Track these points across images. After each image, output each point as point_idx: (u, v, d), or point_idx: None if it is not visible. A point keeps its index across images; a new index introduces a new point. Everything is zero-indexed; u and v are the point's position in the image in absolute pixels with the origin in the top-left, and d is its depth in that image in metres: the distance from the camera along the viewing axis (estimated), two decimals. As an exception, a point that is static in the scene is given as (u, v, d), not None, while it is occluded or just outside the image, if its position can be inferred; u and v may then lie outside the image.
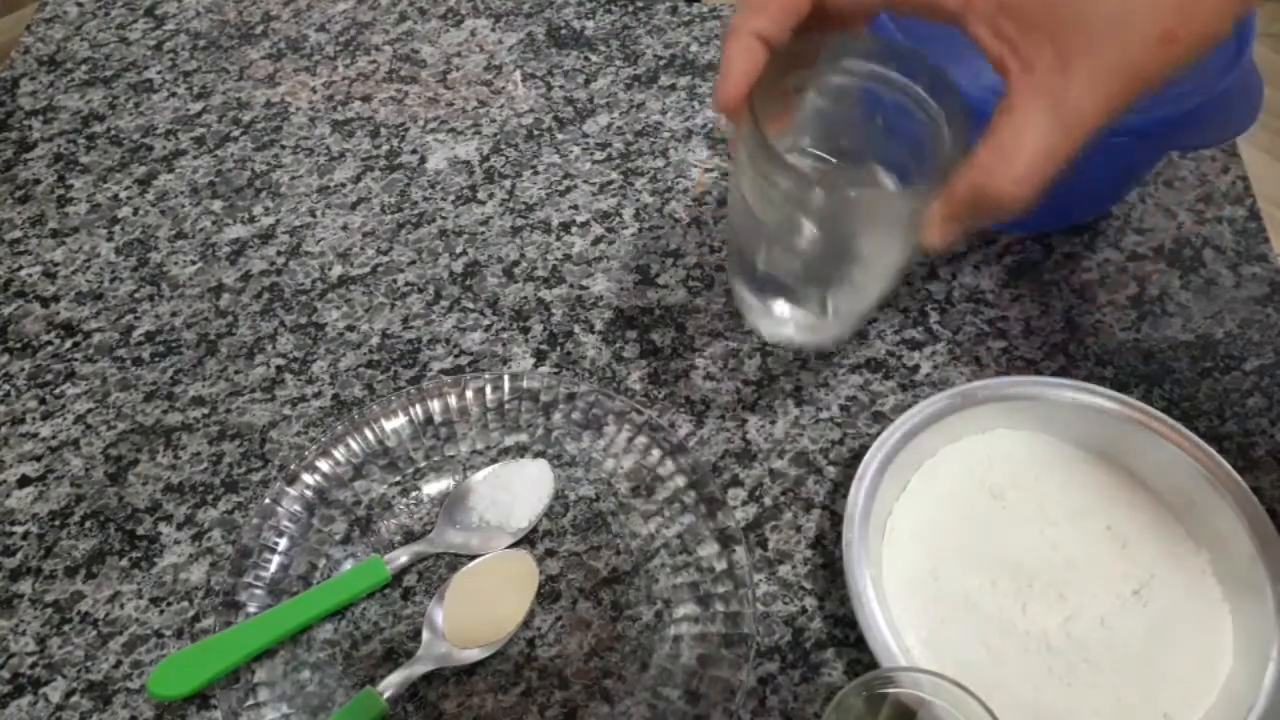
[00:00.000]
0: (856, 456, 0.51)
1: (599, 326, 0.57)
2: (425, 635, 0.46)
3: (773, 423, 0.53)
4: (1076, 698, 0.44)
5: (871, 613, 0.43)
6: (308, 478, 0.50)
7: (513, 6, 0.74)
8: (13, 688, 0.45)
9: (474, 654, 0.46)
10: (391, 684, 0.44)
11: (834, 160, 0.41)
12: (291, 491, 0.50)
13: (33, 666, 0.46)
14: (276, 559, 0.48)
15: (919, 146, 0.39)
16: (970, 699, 0.37)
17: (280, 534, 0.49)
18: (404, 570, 0.48)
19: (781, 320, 0.47)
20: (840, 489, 0.51)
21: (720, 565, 0.47)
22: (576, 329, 0.57)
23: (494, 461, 0.52)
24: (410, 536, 0.50)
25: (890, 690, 0.38)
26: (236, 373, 0.55)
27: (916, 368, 0.56)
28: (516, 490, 0.50)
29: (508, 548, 0.49)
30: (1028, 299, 0.58)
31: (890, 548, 0.47)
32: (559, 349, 0.56)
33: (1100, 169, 0.57)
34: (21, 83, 0.70)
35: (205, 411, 0.54)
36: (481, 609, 0.47)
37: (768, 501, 0.51)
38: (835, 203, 0.39)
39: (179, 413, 0.54)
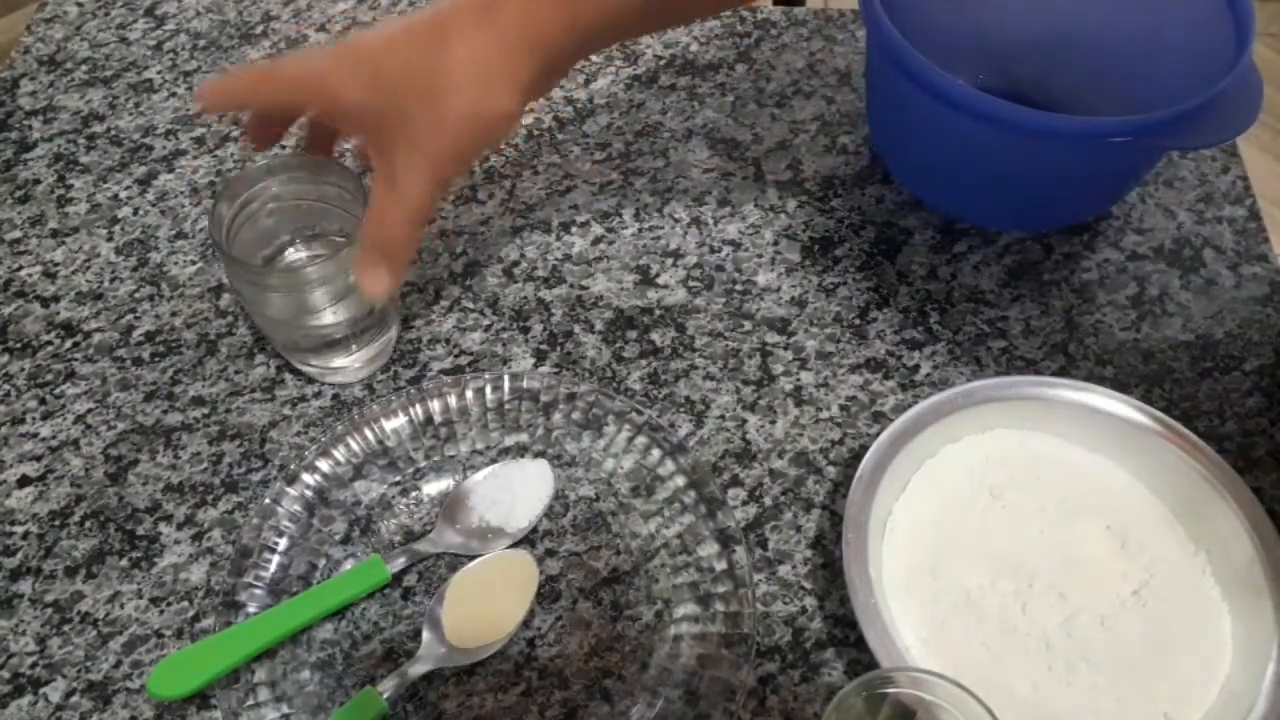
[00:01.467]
0: (856, 456, 0.51)
1: (599, 326, 0.57)
2: (425, 635, 0.46)
3: (773, 423, 0.53)
4: (1076, 697, 0.44)
5: (871, 612, 0.44)
6: (308, 478, 0.50)
7: (513, 6, 0.74)
8: (13, 688, 0.45)
9: (475, 654, 0.46)
10: (391, 684, 0.44)
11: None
12: (291, 491, 0.50)
13: (33, 666, 0.46)
14: (276, 559, 0.48)
15: None
16: (970, 699, 0.37)
17: (280, 534, 0.49)
18: (404, 570, 0.48)
19: (352, 368, 0.55)
20: (840, 489, 0.51)
21: (720, 565, 0.47)
22: (576, 329, 0.57)
23: (494, 461, 0.52)
24: (410, 536, 0.50)
25: (890, 690, 0.38)
26: (236, 373, 0.55)
27: (916, 367, 0.56)
28: (517, 490, 0.50)
29: (508, 548, 0.49)
30: (1028, 299, 0.58)
31: (890, 547, 0.47)
32: (559, 349, 0.56)
33: (1100, 168, 0.57)
34: (21, 83, 0.70)
35: (205, 411, 0.54)
36: (482, 609, 0.47)
37: (768, 501, 0.51)
38: (288, 280, 0.51)
39: (179, 413, 0.54)
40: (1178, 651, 0.45)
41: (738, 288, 0.59)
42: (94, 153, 0.66)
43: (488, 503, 0.50)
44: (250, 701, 0.44)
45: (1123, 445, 0.50)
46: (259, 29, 0.73)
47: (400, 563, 0.48)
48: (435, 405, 0.53)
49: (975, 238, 0.61)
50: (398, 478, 0.51)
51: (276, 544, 0.48)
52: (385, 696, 0.44)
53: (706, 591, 0.47)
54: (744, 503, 0.51)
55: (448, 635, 0.46)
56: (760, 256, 0.60)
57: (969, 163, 0.57)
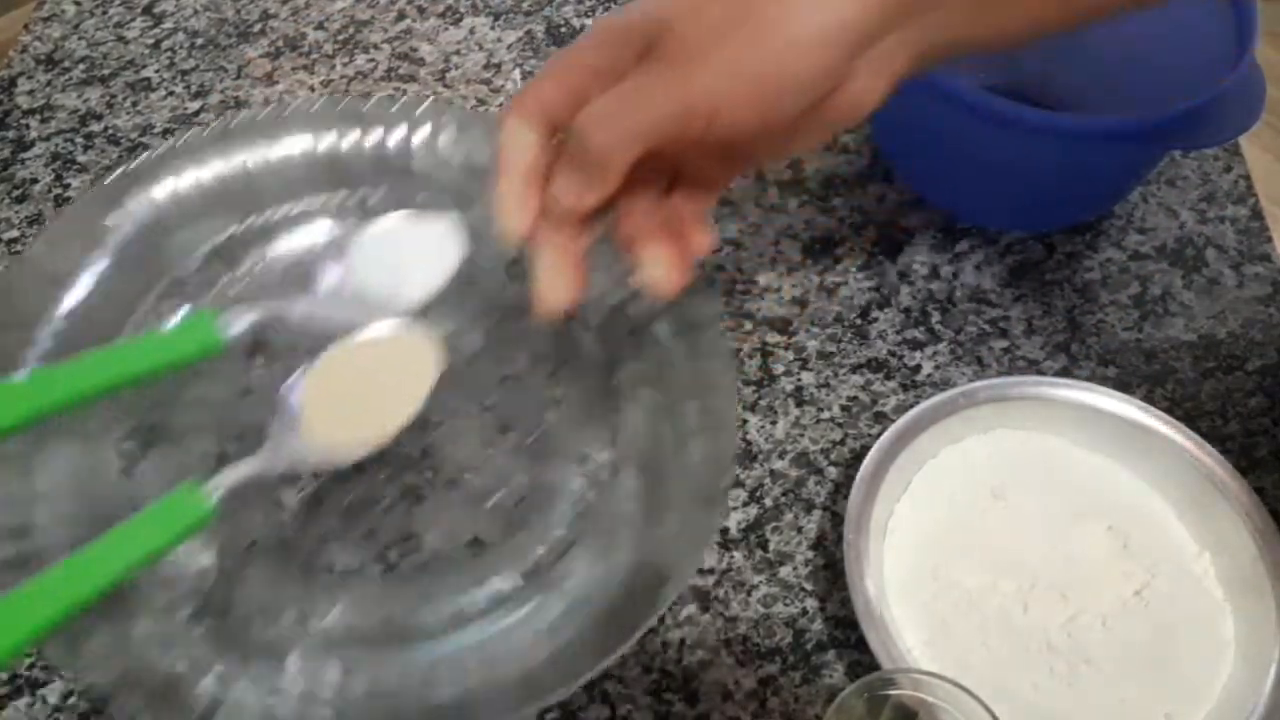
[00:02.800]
0: (858, 457, 0.51)
1: (597, 324, 0.57)
2: (274, 425, 0.36)
3: (773, 423, 0.53)
4: (1078, 698, 0.43)
5: (872, 614, 0.43)
6: (134, 205, 0.38)
7: (512, 4, 0.74)
8: (11, 689, 0.45)
9: (339, 453, 0.36)
10: (223, 483, 0.34)
11: None
12: (123, 210, 0.38)
13: (30, 668, 0.46)
14: (76, 300, 0.37)
15: None
16: (971, 700, 0.37)
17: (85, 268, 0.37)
18: (252, 343, 0.38)
19: None
20: (841, 490, 0.51)
21: (720, 566, 0.47)
22: (575, 327, 0.57)
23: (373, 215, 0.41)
24: (261, 297, 0.39)
25: (891, 692, 0.38)
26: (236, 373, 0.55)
27: (918, 368, 0.55)
28: (410, 252, 0.39)
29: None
30: (1030, 298, 0.58)
31: (891, 549, 0.47)
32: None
33: (1102, 168, 0.57)
34: (19, 81, 0.69)
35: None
36: (356, 397, 0.36)
37: (768, 502, 0.51)
38: None
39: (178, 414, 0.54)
40: (1180, 652, 0.45)
41: (738, 287, 0.59)
42: (91, 152, 0.65)
43: (372, 264, 0.39)
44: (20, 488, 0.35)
45: (1125, 446, 0.49)
46: (257, 27, 0.72)
47: (242, 326, 0.37)
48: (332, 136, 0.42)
49: (977, 237, 0.61)
50: (253, 220, 0.41)
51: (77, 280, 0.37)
52: (213, 498, 0.34)
53: (707, 593, 0.47)
54: (745, 504, 0.51)
55: (307, 426, 0.35)
56: (761, 256, 0.60)
57: (971, 161, 0.57)
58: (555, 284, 0.34)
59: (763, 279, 0.59)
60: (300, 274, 0.39)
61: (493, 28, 0.72)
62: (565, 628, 0.37)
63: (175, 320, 0.38)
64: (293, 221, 0.41)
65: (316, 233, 0.40)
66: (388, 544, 0.37)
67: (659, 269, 0.35)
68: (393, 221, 0.40)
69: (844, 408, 0.54)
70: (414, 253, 0.39)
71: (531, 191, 0.34)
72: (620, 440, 0.40)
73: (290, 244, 0.40)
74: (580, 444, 0.40)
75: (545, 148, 0.34)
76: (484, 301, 0.40)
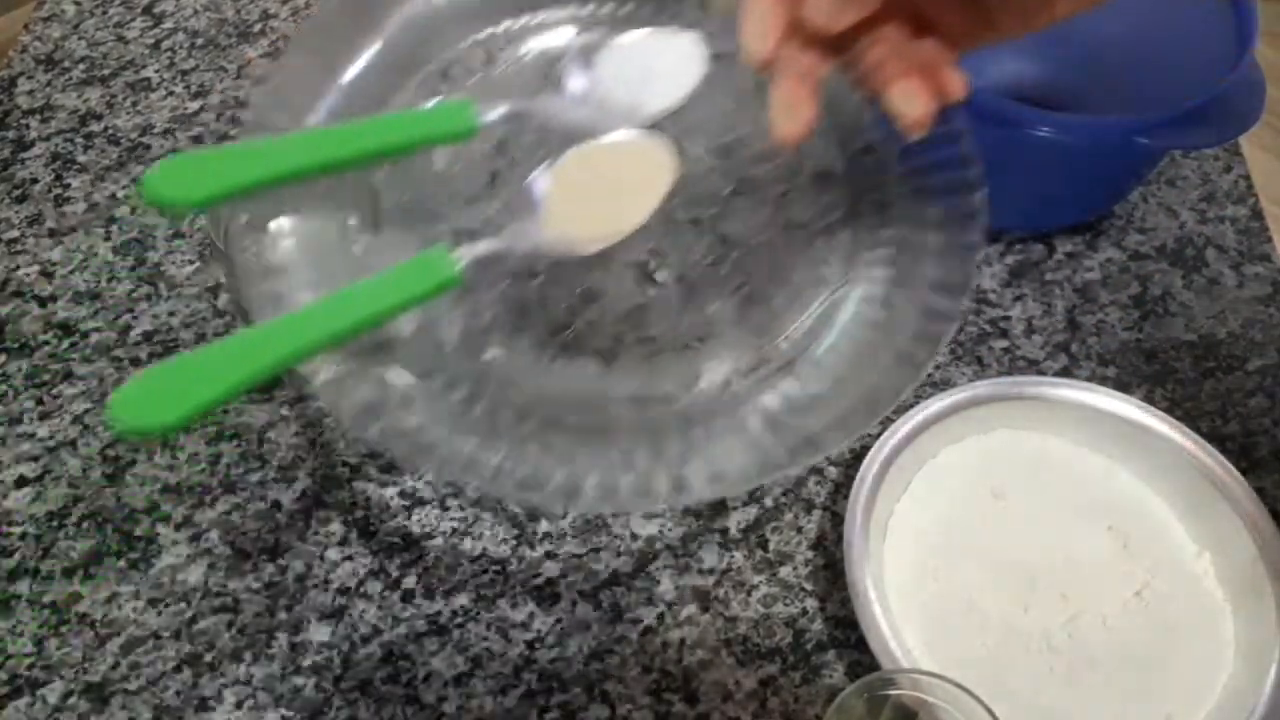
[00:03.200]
0: (858, 457, 0.51)
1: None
2: (518, 211, 0.39)
3: (773, 423, 0.53)
4: (1078, 699, 0.43)
5: (872, 614, 0.43)
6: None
7: (512, 5, 0.74)
8: (10, 689, 0.45)
9: (576, 245, 0.38)
10: (469, 254, 0.36)
11: None
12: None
13: (30, 668, 0.46)
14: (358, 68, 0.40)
15: None
16: (971, 700, 0.37)
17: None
18: (500, 134, 0.41)
19: None
20: (841, 490, 0.51)
21: (720, 566, 0.47)
22: (577, 323, 0.57)
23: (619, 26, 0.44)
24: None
25: (891, 692, 0.38)
26: (235, 373, 0.55)
27: (917, 368, 0.55)
28: (655, 66, 0.41)
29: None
30: (1030, 298, 0.58)
31: (891, 549, 0.47)
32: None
33: (1102, 168, 0.57)
34: (19, 81, 0.69)
35: (203, 412, 0.54)
36: (595, 195, 0.38)
37: (768, 502, 0.51)
38: None
39: (177, 413, 0.54)
40: (1180, 652, 0.45)
41: (738, 287, 0.59)
42: (91, 151, 0.65)
43: (617, 75, 0.40)
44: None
45: (1125, 446, 0.49)
46: (257, 27, 0.72)
47: (494, 115, 0.38)
48: None
49: (976, 237, 0.61)
50: (509, 23, 0.43)
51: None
52: (460, 264, 0.36)
53: (707, 594, 0.47)
54: (744, 504, 0.51)
55: (547, 217, 0.38)
56: (761, 256, 0.60)
57: (970, 162, 0.57)
58: (791, 113, 0.34)
59: (763, 279, 0.59)
60: (550, 77, 0.42)
61: (493, 28, 0.72)
62: (811, 405, 0.38)
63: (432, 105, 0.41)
64: (547, 28, 0.44)
65: (568, 40, 0.43)
66: (618, 333, 0.40)
67: (910, 102, 0.34)
68: (639, 36, 0.42)
69: (844, 408, 0.54)
70: (657, 67, 0.41)
71: (779, 11, 0.33)
72: (857, 258, 0.41)
73: (543, 49, 0.43)
74: (807, 262, 0.41)
75: None
76: (723, 118, 0.42)
